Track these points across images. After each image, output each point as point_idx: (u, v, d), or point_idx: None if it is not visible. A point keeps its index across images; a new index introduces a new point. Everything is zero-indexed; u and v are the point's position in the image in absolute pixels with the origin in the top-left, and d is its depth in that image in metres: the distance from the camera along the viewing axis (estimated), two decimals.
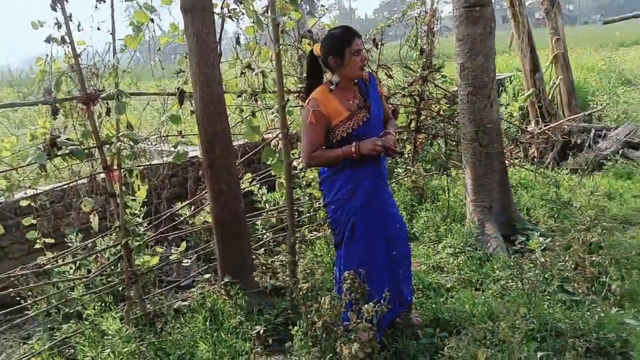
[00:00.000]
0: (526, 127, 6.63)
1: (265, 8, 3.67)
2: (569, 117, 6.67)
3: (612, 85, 8.89)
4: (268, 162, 3.69)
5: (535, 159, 6.59)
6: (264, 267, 3.92)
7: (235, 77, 3.90)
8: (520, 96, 6.94)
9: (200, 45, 3.27)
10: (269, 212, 4.35)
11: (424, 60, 4.62)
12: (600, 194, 5.13)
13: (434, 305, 3.26)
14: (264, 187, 4.86)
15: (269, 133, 4.23)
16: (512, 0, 6.14)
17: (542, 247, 3.54)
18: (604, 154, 6.32)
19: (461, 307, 3.19)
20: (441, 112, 4.95)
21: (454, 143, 5.11)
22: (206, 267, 3.86)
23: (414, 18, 4.55)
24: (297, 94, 4.13)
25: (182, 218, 4.00)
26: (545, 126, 6.41)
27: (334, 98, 2.78)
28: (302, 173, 4.41)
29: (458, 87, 4.42)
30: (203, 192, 3.90)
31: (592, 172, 5.89)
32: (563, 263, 3.30)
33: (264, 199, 4.86)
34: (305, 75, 2.92)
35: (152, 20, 3.11)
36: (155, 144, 3.46)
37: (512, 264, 3.72)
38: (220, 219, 3.52)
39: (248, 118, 3.72)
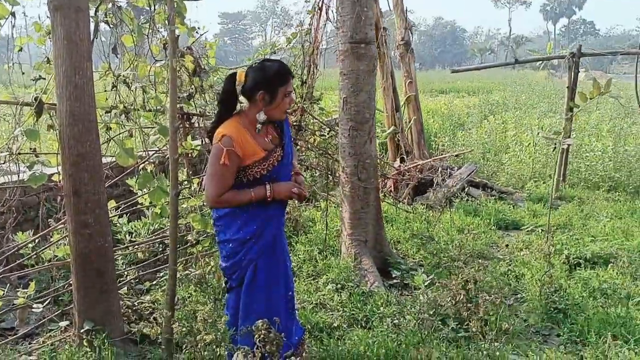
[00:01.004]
0: (392, 164, 6.93)
1: (148, 17, 3.29)
2: (438, 156, 7.19)
3: (452, 128, 9.83)
4: (141, 190, 3.24)
5: (391, 194, 6.91)
6: (130, 311, 3.42)
7: (105, 91, 3.41)
8: (382, 133, 7.25)
9: (71, 50, 2.77)
10: (136, 246, 3.83)
11: (305, 91, 4.56)
12: (455, 229, 5.52)
13: (326, 348, 3.10)
14: (123, 215, 4.31)
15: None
16: (378, 41, 6.43)
17: (426, 283, 3.60)
18: (452, 191, 6.86)
19: (355, 348, 3.08)
20: (316, 144, 4.92)
21: (327, 175, 5.10)
22: (59, 312, 3.23)
23: (299, 48, 4.48)
24: (182, 117, 3.74)
25: (29, 254, 3.31)
26: (410, 163, 6.77)
27: (249, 136, 2.51)
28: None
29: (339, 121, 4.42)
30: (59, 222, 3.29)
31: (443, 208, 6.31)
32: (446, 299, 3.39)
33: (124, 229, 4.30)
34: (220, 101, 2.59)
35: (13, 15, 2.55)
36: (3, 162, 2.82)
37: (394, 300, 3.75)
38: (82, 255, 2.97)
39: (121, 139, 3.25)
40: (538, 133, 8.30)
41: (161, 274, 4.05)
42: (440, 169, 7.35)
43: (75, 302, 3.04)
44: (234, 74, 2.57)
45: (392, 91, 6.89)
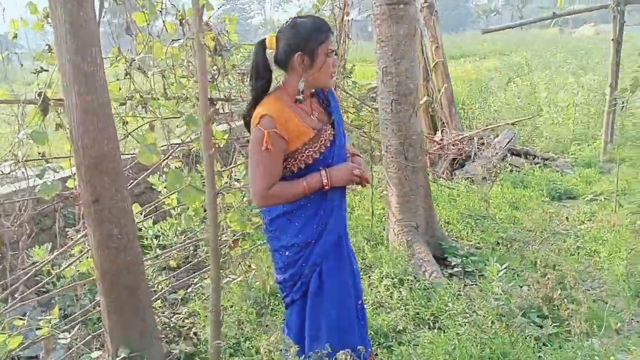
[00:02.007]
0: (432, 137, 6.44)
1: None
2: (483, 128, 6.70)
3: (482, 94, 9.26)
4: (172, 190, 2.81)
5: (428, 170, 6.42)
6: (168, 328, 3.03)
7: (117, 79, 2.96)
8: None
9: (76, 34, 2.30)
10: (167, 253, 3.41)
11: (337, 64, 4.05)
12: (506, 203, 5.05)
13: (398, 358, 2.69)
14: (148, 218, 3.89)
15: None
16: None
17: (500, 274, 3.14)
18: (492, 162, 6.35)
19: (433, 356, 2.65)
20: (351, 122, 4.44)
21: (368, 156, 4.63)
22: (90, 337, 2.83)
23: (327, 16, 3.98)
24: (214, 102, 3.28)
25: (49, 273, 2.91)
26: (452, 135, 6.28)
27: (291, 112, 2.06)
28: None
29: (379, 94, 3.93)
30: (80, 236, 2.87)
31: (493, 182, 5.81)
32: (533, 292, 2.95)
33: (150, 232, 3.88)
34: (252, 76, 2.14)
35: None
36: (11, 171, 2.40)
37: (462, 293, 3.32)
38: (109, 273, 2.55)
39: (142, 134, 2.81)
40: (578, 92, 7.72)
41: (196, 280, 3.66)
42: (476, 139, 6.84)
43: (106, 327, 2.64)
44: (263, 41, 2.10)
45: (422, 58, 6.34)
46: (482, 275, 3.68)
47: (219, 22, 3.46)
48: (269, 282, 3.28)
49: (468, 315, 3.04)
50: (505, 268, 3.14)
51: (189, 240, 3.51)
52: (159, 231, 3.81)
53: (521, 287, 3.18)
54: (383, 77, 3.83)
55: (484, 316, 2.97)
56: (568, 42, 19.26)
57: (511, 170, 6.11)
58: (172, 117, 3.07)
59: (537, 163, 6.46)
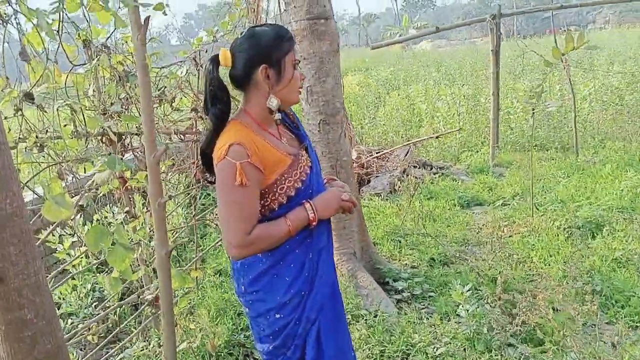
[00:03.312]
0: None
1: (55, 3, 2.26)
2: (404, 144, 6.67)
3: (368, 110, 9.38)
4: (95, 250, 2.24)
5: None
6: None
7: (5, 118, 2.33)
8: None
9: None
10: (85, 329, 2.75)
11: None
12: (423, 215, 5.02)
13: None
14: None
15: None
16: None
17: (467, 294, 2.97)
18: (394, 175, 6.37)
19: None
20: None
21: None
22: None
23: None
24: (105, 138, 2.74)
25: None
26: (369, 153, 6.17)
27: (261, 139, 1.69)
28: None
29: (304, 115, 3.64)
30: None
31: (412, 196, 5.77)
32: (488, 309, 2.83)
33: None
34: (206, 102, 1.73)
35: None
36: None
37: (424, 322, 3.12)
38: None
39: (47, 183, 2.21)
40: (459, 102, 8.11)
41: (121, 357, 3.03)
42: (374, 154, 6.85)
43: None
44: (216, 57, 1.73)
45: None
46: (431, 297, 3.54)
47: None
48: (216, 342, 2.80)
49: (439, 346, 2.84)
50: (469, 290, 2.99)
51: (109, 308, 2.88)
52: (61, 298, 3.13)
53: (483, 305, 3.06)
54: (308, 97, 3.55)
55: (455, 344, 2.79)
56: (420, 57, 20.57)
57: (416, 183, 6.15)
58: (80, 160, 2.48)
59: (436, 173, 6.62)
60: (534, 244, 4.06)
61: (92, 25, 2.35)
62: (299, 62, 1.80)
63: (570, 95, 6.55)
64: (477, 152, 7.39)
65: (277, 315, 1.76)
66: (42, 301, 1.97)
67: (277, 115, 1.75)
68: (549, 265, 3.70)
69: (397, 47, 33.58)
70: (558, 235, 4.12)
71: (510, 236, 4.40)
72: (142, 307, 3.06)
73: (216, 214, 4.19)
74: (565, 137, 7.34)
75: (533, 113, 4.46)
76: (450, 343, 2.84)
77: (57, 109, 2.18)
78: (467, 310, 2.88)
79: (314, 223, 1.73)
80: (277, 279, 1.75)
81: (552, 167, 6.24)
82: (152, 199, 1.80)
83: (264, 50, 1.68)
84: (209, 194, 5.37)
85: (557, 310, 3.01)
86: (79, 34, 2.34)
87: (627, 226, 4.14)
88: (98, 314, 2.83)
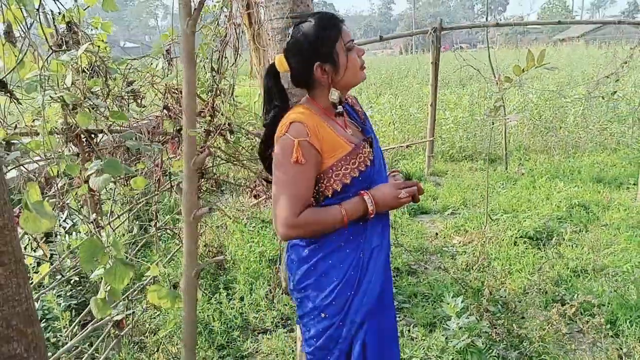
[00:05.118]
0: None
1: None
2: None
3: None
4: (88, 268, 1.91)
5: None
6: None
7: None
8: None
9: None
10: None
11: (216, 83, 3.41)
12: None
13: None
14: None
15: None
16: (251, 18, 5.40)
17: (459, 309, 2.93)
18: None
19: None
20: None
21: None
22: None
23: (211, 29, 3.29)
24: (77, 137, 2.38)
25: None
26: None
27: (324, 122, 1.63)
28: None
29: None
30: None
31: None
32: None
33: None
34: (265, 107, 1.66)
35: None
36: None
37: (411, 336, 3.05)
38: None
39: (25, 188, 1.86)
40: (392, 112, 8.24)
41: None
42: None
43: None
44: (273, 65, 1.68)
45: None
46: (406, 308, 3.49)
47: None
48: None
49: None
50: (462, 304, 2.95)
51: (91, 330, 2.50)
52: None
53: (468, 318, 3.05)
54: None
55: (448, 358, 2.74)
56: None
57: None
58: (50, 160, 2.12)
59: None
60: (492, 254, 4.15)
61: (79, 8, 2.02)
62: (353, 40, 1.68)
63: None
64: (412, 161, 7.54)
65: (322, 315, 1.69)
66: (33, 332, 1.66)
67: (339, 109, 1.67)
68: (512, 274, 3.78)
69: None
70: (517, 245, 4.25)
71: (465, 245, 4.48)
72: (108, 328, 2.72)
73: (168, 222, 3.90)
74: (492, 148, 7.69)
75: (492, 126, 4.58)
76: (441, 357, 2.79)
77: (44, 101, 1.83)
78: (458, 324, 2.85)
79: (372, 215, 1.63)
80: (324, 277, 1.68)
81: (484, 178, 6.48)
82: (186, 212, 1.55)
83: (312, 49, 1.62)
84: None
85: (538, 320, 3.06)
86: (63, 15, 1.99)
87: (574, 236, 4.37)
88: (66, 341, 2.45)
